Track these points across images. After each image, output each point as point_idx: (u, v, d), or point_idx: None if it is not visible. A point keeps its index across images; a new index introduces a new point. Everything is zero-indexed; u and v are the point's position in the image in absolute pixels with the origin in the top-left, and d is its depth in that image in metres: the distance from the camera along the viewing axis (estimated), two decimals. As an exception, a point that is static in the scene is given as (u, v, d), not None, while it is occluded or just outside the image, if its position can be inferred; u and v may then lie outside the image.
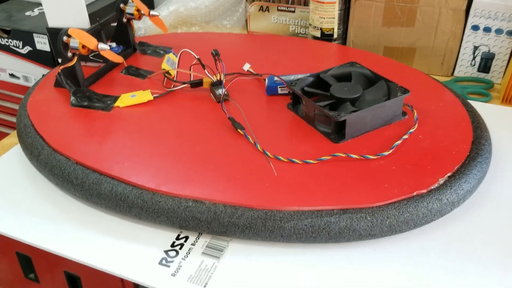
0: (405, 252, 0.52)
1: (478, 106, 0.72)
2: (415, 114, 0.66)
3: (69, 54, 0.71)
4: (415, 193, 0.54)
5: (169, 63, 0.79)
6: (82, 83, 0.73)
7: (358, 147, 0.62)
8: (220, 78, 0.73)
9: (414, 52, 0.90)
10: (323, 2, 0.88)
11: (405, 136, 0.62)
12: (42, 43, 0.94)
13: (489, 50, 0.85)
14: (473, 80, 0.87)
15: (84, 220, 0.58)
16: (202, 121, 0.68)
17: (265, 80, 0.75)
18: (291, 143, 0.63)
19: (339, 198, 0.54)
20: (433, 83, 0.76)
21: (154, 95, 0.73)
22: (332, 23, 0.90)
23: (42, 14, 1.02)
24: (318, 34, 0.92)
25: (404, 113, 0.67)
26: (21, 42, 0.96)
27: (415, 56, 0.90)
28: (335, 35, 0.92)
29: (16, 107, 1.08)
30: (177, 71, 0.76)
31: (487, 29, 0.84)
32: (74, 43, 0.69)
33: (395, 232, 0.53)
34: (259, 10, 1.03)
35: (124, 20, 0.84)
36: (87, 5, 0.87)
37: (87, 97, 0.72)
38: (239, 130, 0.64)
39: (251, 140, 0.63)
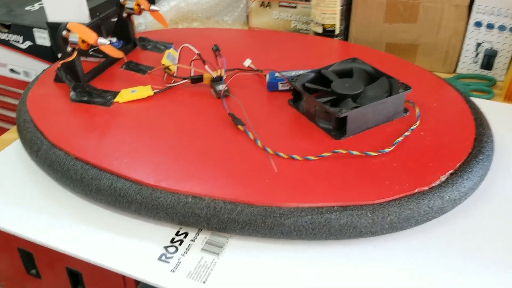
0: (406, 249, 0.52)
1: (481, 103, 0.72)
2: (417, 110, 0.65)
3: (69, 49, 0.70)
4: (416, 190, 0.54)
5: (170, 58, 0.79)
6: (82, 78, 0.73)
7: (359, 143, 0.61)
8: (220, 74, 0.72)
9: (416, 49, 0.89)
10: (325, -2, 0.88)
11: (407, 133, 0.62)
12: (42, 38, 0.93)
13: (492, 47, 0.84)
14: (476, 77, 0.87)
15: (84, 216, 0.58)
16: (202, 117, 0.68)
17: (266, 76, 0.75)
18: (291, 139, 0.63)
19: (339, 194, 0.53)
20: (435, 80, 0.76)
21: (154, 91, 0.72)
22: (334, 19, 0.90)
23: (42, 9, 1.01)
24: (319, 30, 0.92)
25: (405, 110, 0.67)
26: (21, 37, 0.96)
27: (417, 52, 0.89)
28: (337, 31, 0.91)
29: (16, 102, 1.08)
30: (177, 67, 0.76)
31: (490, 26, 0.83)
32: (73, 37, 0.68)
33: (396, 229, 0.52)
34: (260, 6, 1.03)
35: (124, 15, 0.83)
36: (87, 0, 0.87)
37: (86, 92, 0.72)
38: (239, 126, 0.64)
39: (251, 136, 0.62)
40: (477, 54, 0.86)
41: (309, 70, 0.70)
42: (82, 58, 0.80)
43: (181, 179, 0.56)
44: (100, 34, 0.72)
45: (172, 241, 0.54)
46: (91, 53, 0.82)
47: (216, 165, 0.58)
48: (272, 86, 0.73)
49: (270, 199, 0.53)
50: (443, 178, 0.55)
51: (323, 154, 0.58)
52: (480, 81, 0.86)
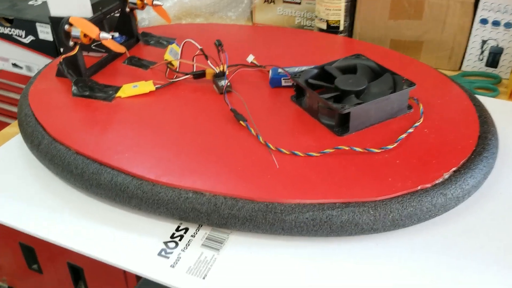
0: (408, 247, 0.51)
1: (486, 101, 0.71)
2: (421, 107, 0.64)
3: (71, 43, 0.70)
4: (419, 188, 0.53)
5: (172, 53, 0.78)
6: (84, 73, 0.73)
7: (362, 140, 0.60)
8: (223, 69, 0.72)
9: (421, 46, 0.88)
10: (329, -6, 0.87)
11: (410, 130, 0.61)
12: (45, 33, 0.93)
13: (497, 45, 0.83)
14: (481, 74, 0.86)
15: (84, 211, 0.57)
16: (204, 113, 0.67)
17: (268, 72, 0.74)
18: (293, 135, 0.62)
19: (341, 191, 0.53)
20: (440, 77, 0.75)
21: (156, 86, 0.72)
22: (338, 15, 0.89)
23: (45, 3, 1.01)
24: (324, 26, 0.91)
25: (409, 107, 0.66)
26: (23, 31, 0.96)
27: (422, 49, 0.89)
28: (341, 28, 0.90)
29: (19, 97, 1.08)
30: (179, 62, 0.75)
31: (496, 23, 0.82)
32: (75, 32, 0.68)
33: (398, 226, 0.52)
34: (264, 2, 1.02)
35: (127, 9, 0.83)
36: (90, -5, 0.86)
37: (88, 87, 0.71)
38: (241, 121, 0.63)
39: (253, 132, 0.62)
40: (482, 52, 0.85)
41: (312, 66, 0.70)
42: (85, 53, 0.80)
43: (182, 175, 0.55)
44: (102, 29, 0.71)
45: (172, 236, 0.53)
46: (94, 48, 0.82)
47: (218, 160, 0.58)
48: (275, 82, 0.73)
49: (271, 195, 0.52)
50: (446, 175, 0.55)
51: (325, 151, 0.58)
52: (485, 79, 0.85)
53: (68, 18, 0.68)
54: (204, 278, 0.49)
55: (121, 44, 0.79)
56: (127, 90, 0.71)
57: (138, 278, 0.54)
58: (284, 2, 1.00)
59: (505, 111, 0.73)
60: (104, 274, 0.81)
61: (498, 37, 0.83)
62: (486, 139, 0.60)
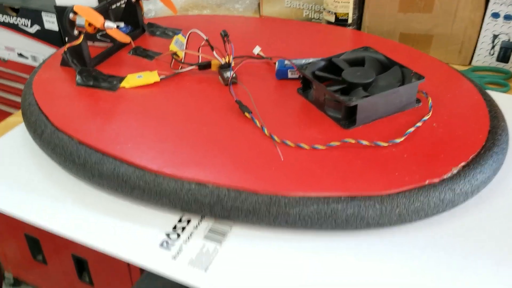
0: (414, 244, 0.50)
1: (496, 96, 0.69)
2: (430, 101, 0.63)
3: (75, 32, 0.69)
4: (427, 182, 0.52)
5: (178, 44, 0.77)
6: (88, 62, 0.72)
7: (369, 133, 0.59)
8: (228, 61, 0.71)
9: (431, 40, 0.87)
10: (338, -14, 0.86)
11: (419, 124, 0.60)
12: (51, 22, 0.92)
13: (509, 39, 0.82)
14: (492, 70, 0.84)
15: (87, 201, 0.57)
16: (209, 104, 0.66)
17: (275, 63, 0.73)
18: (299, 128, 0.61)
19: (347, 184, 0.52)
20: (450, 71, 0.74)
21: (161, 76, 0.71)
22: (347, 8, 0.88)
23: (51, -7, 1.00)
24: (332, 19, 0.90)
25: (418, 101, 0.65)
26: (29, 21, 0.95)
27: (431, 43, 0.87)
28: (350, 20, 0.89)
29: (25, 87, 1.07)
30: (185, 53, 0.75)
31: (507, 17, 0.80)
32: (80, 20, 0.67)
33: (404, 221, 0.51)
34: (272, -6, 1.01)
35: (133, 0, 0.82)
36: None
37: (92, 77, 0.71)
38: (246, 113, 0.62)
39: (258, 124, 0.61)
40: (493, 46, 0.83)
41: (319, 58, 0.68)
42: (90, 43, 0.79)
43: (185, 166, 0.55)
44: (107, 18, 0.70)
45: (174, 228, 0.53)
46: (99, 38, 0.81)
47: (221, 152, 0.57)
48: (281, 74, 0.71)
49: (275, 188, 0.51)
50: (455, 170, 0.53)
51: (331, 143, 0.57)
52: (496, 74, 0.83)
53: (72, 7, 0.67)
54: (206, 270, 0.48)
55: (126, 34, 0.79)
56: (132, 80, 0.70)
57: (142, 270, 0.54)
58: (292, -6, 0.99)
59: (516, 106, 0.71)
60: (108, 266, 0.81)
61: (510, 31, 0.81)
62: (496, 134, 0.59)
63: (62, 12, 0.72)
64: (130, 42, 0.78)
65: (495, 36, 0.82)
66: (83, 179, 0.59)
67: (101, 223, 0.54)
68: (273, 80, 0.72)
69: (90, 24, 0.68)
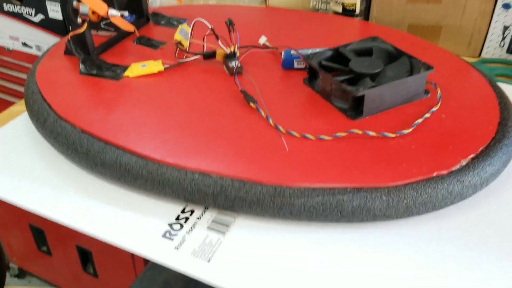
0: (420, 236, 0.49)
1: (506, 88, 0.68)
2: (439, 92, 0.62)
3: (79, 20, 0.68)
4: (435, 174, 0.51)
5: (182, 34, 0.76)
6: (92, 51, 0.71)
7: (376, 124, 0.58)
8: (233, 50, 0.70)
9: (440, 31, 0.85)
10: (346, -25, 0.84)
11: (427, 115, 0.59)
12: (55, 11, 0.92)
13: (520, 30, 0.80)
14: (502, 62, 0.83)
15: (89, 190, 0.56)
16: (214, 94, 0.65)
17: (281, 53, 0.72)
18: (305, 118, 0.60)
19: (353, 176, 0.51)
20: (459, 62, 0.72)
21: (165, 66, 0.70)
22: (354, -2, 0.86)
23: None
24: (339, 9, 0.88)
25: (426, 92, 0.63)
26: (33, 10, 0.94)
27: (440, 35, 0.86)
28: (357, 11, 0.88)
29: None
30: (190, 42, 0.74)
31: (519, 8, 0.79)
32: (83, 8, 0.67)
33: (411, 214, 0.50)
34: (278, -16, 0.99)
35: (138, -12, 0.81)
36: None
37: (96, 66, 0.70)
38: (251, 103, 0.61)
39: (263, 114, 0.60)
40: (503, 38, 0.82)
41: (326, 48, 0.67)
42: (93, 32, 0.78)
43: (189, 155, 0.54)
44: (111, 7, 0.69)
45: (177, 218, 0.52)
46: (103, 27, 0.80)
47: (226, 142, 0.56)
48: (287, 64, 0.70)
49: (280, 178, 0.50)
50: (464, 162, 0.52)
51: (337, 134, 0.56)
52: (506, 66, 0.82)
53: (76, -6, 0.66)
54: (208, 261, 0.47)
55: (130, 23, 0.78)
56: (135, 69, 0.69)
57: (146, 262, 0.53)
58: (298, -16, 0.97)
59: (527, 99, 0.70)
60: (112, 258, 0.81)
61: (521, 22, 0.80)
62: (507, 126, 0.58)
63: (65, 0, 0.71)
64: (134, 31, 0.77)
65: (505, 28, 0.81)
66: (85, 168, 0.58)
67: (104, 212, 0.53)
68: (279, 70, 0.71)
69: (93, 12, 0.67)
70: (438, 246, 0.48)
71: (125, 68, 0.70)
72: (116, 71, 0.69)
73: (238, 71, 0.69)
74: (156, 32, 0.82)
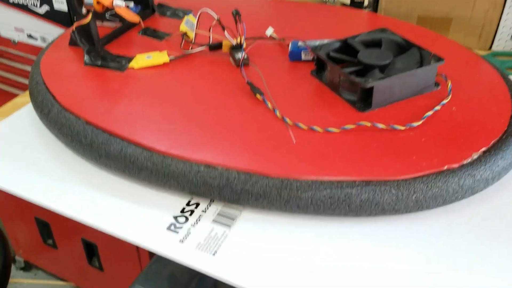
0: (430, 231, 0.48)
1: (518, 81, 0.67)
2: (449, 84, 0.61)
3: (84, 11, 0.67)
4: (445, 167, 0.50)
5: (188, 25, 0.75)
6: (96, 41, 0.70)
7: (385, 117, 0.57)
8: (240, 41, 0.69)
9: (450, 23, 0.84)
10: (354, -34, 0.83)
11: (437, 107, 0.58)
12: (60, 2, 0.91)
13: (532, 22, 0.79)
14: (513, 54, 0.81)
15: (94, 182, 0.56)
16: (220, 85, 0.64)
17: (288, 45, 0.71)
18: (313, 110, 0.59)
19: (361, 169, 0.50)
20: (470, 54, 0.71)
21: (170, 57, 0.69)
22: (362, -11, 0.85)
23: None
24: (347, 1, 0.87)
25: (437, 84, 0.62)
26: (38, 1, 0.94)
27: (450, 27, 0.84)
28: (366, 3, 0.86)
29: (35, 69, 1.06)
30: (195, 34, 0.73)
31: (532, -1, 0.77)
32: (89, -2, 0.66)
33: (421, 208, 0.49)
34: (285, -24, 0.98)
35: (143, -21, 0.80)
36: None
37: (101, 57, 0.69)
38: (257, 95, 0.61)
39: (270, 106, 0.59)
40: (515, 30, 0.80)
41: (334, 40, 0.66)
42: (98, 23, 0.78)
43: (194, 147, 0.53)
44: (117, -3, 0.69)
45: (182, 211, 0.51)
46: (108, 17, 0.79)
47: (232, 134, 0.55)
48: (294, 55, 0.69)
49: (287, 171, 0.49)
50: (475, 155, 0.51)
51: (346, 126, 0.55)
52: (517, 59, 0.80)
53: (81, -16, 0.66)
54: (214, 254, 0.46)
55: (136, 14, 0.77)
56: (140, 60, 0.68)
57: (151, 255, 0.52)
58: (306, -25, 0.96)
59: (539, 92, 0.68)
60: (118, 251, 0.80)
61: (534, 14, 0.78)
62: (519, 119, 0.56)
63: (70, -9, 0.70)
64: (140, 22, 0.77)
65: (517, 20, 0.79)
66: (90, 160, 0.58)
67: (108, 204, 0.52)
68: (286, 62, 0.70)
69: (98, 2, 0.66)
70: (448, 240, 0.47)
71: (130, 59, 0.69)
72: (121, 62, 0.69)
73: (245, 63, 0.68)
74: (161, 23, 0.81)
